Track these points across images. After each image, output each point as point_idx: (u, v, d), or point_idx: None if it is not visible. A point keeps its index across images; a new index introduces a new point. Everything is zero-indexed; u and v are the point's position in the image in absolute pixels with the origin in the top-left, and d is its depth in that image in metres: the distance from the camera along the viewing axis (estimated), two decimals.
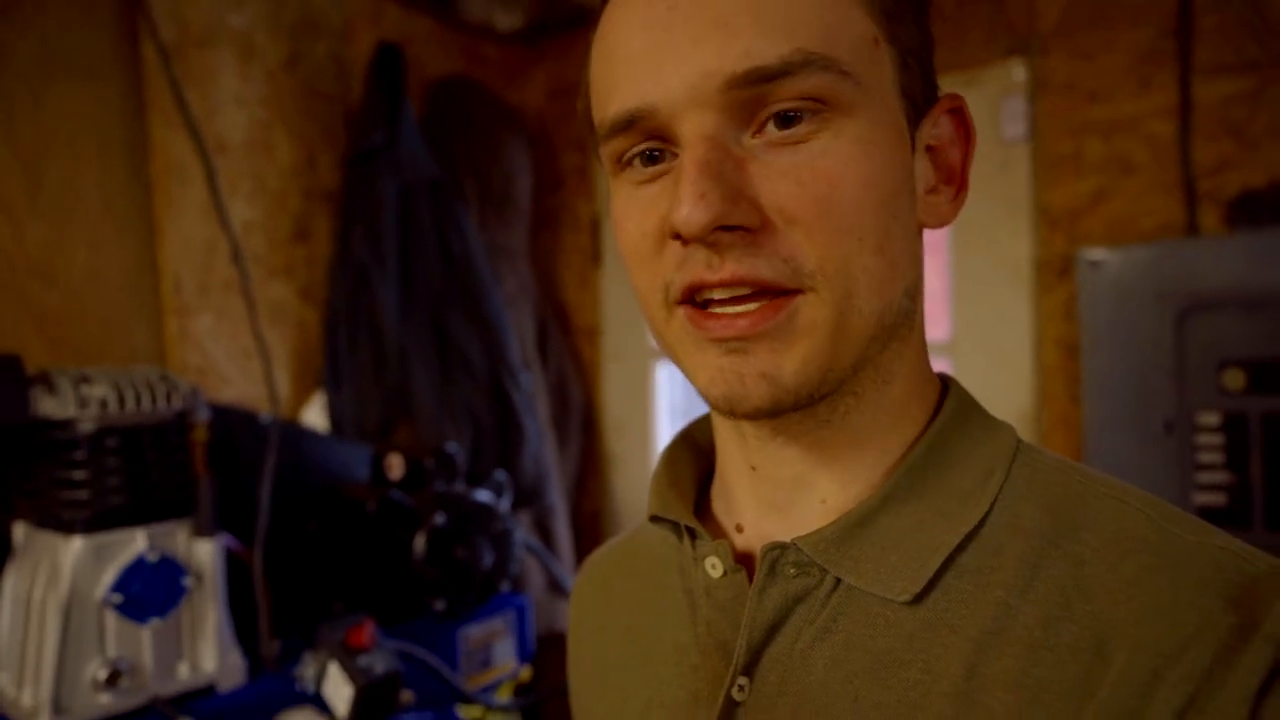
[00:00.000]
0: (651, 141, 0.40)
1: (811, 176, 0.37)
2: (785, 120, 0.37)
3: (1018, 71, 1.44)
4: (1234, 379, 1.24)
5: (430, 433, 1.59)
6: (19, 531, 0.97)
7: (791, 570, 0.43)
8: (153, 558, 0.92)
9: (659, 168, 0.40)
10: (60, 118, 1.28)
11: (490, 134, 1.86)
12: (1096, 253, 1.33)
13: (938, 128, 0.43)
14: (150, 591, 0.91)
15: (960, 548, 0.40)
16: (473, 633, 1.21)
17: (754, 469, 0.46)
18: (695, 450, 0.54)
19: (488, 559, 1.20)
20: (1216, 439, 1.24)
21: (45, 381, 0.91)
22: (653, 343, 1.97)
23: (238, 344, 1.49)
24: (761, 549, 0.43)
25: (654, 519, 0.50)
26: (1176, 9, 1.29)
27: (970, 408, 0.45)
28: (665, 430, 2.01)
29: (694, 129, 0.38)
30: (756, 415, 0.40)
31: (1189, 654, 0.33)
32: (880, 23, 0.39)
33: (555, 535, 1.74)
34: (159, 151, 1.39)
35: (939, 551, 0.40)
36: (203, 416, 1.02)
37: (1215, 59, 1.28)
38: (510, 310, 1.79)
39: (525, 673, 1.30)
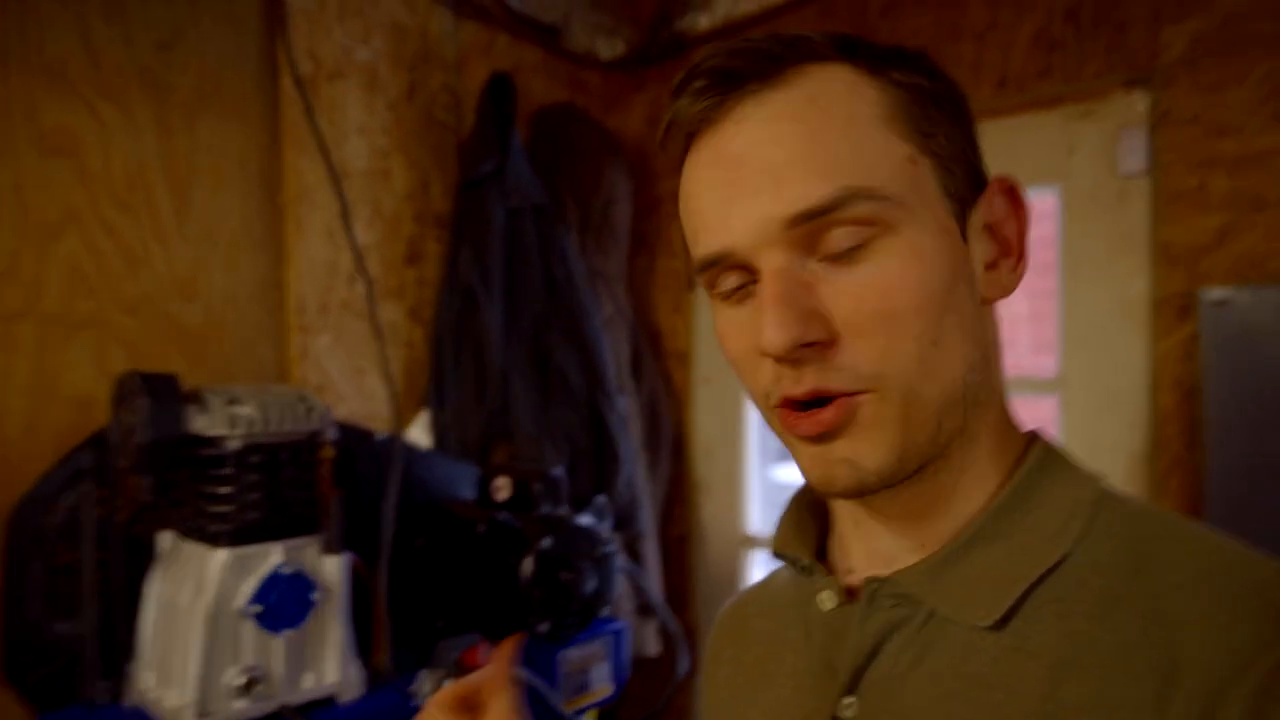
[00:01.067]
0: (736, 272, 0.48)
1: (867, 292, 0.44)
2: (840, 245, 0.44)
3: (1138, 103, 1.40)
4: None
5: (529, 453, 1.63)
6: (165, 540, 1.04)
7: (889, 601, 0.49)
8: (287, 571, 0.97)
9: (746, 292, 0.48)
10: (209, 147, 1.38)
11: (592, 160, 1.91)
12: (1221, 292, 1.28)
13: (993, 208, 0.50)
14: (284, 603, 0.97)
15: (1041, 580, 0.45)
16: (572, 656, 1.23)
17: (857, 524, 0.53)
18: (815, 504, 0.61)
19: (590, 583, 1.22)
20: None
21: (197, 400, 0.98)
22: None
23: (351, 362, 1.56)
24: (864, 581, 0.50)
25: (776, 554, 0.59)
26: None
27: (1056, 458, 0.50)
28: (755, 456, 2.01)
29: (766, 264, 0.45)
30: (846, 495, 0.47)
31: (1250, 674, 0.37)
32: (916, 142, 0.46)
33: (645, 559, 1.76)
34: (291, 178, 1.47)
35: (1020, 583, 0.45)
36: (331, 435, 1.08)
37: None
38: (607, 333, 1.83)
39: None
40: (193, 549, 0.99)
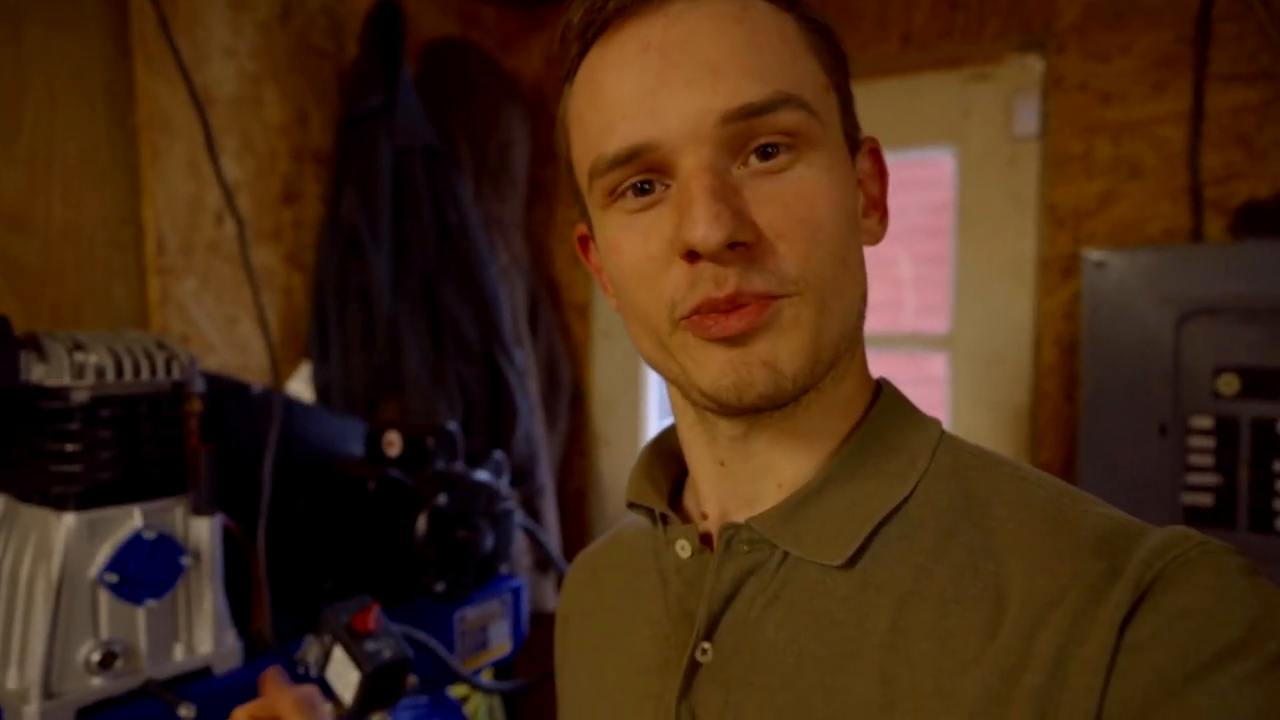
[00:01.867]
0: (646, 174, 0.45)
1: (794, 199, 0.44)
2: (765, 153, 0.44)
3: (1033, 67, 1.44)
4: (1228, 384, 1.26)
5: (420, 407, 1.55)
6: (0, 504, 0.91)
7: (744, 546, 0.49)
8: (149, 535, 0.87)
9: (651, 197, 0.46)
10: (39, 58, 1.20)
11: (488, 101, 1.80)
12: (1101, 254, 1.35)
13: (863, 164, 0.51)
14: (146, 571, 0.87)
15: (887, 520, 0.47)
16: (469, 614, 1.18)
17: (722, 464, 0.52)
18: (668, 454, 0.60)
19: (488, 541, 1.17)
20: (1208, 442, 1.27)
21: (35, 345, 0.86)
22: None
23: (222, 310, 1.43)
24: (719, 529, 0.50)
25: (631, 505, 0.58)
26: (1196, 15, 1.29)
27: (903, 404, 0.53)
28: (654, 410, 2.00)
29: (695, 160, 0.44)
30: (762, 404, 0.45)
31: (1067, 598, 0.40)
32: (829, 74, 0.47)
33: (544, 515, 1.72)
34: (144, 100, 1.31)
35: (867, 523, 0.47)
36: (198, 387, 0.97)
37: (1230, 68, 1.29)
38: (503, 284, 1.75)
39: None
40: (34, 513, 0.87)
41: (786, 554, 0.48)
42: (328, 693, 0.93)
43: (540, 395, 1.85)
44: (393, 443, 1.22)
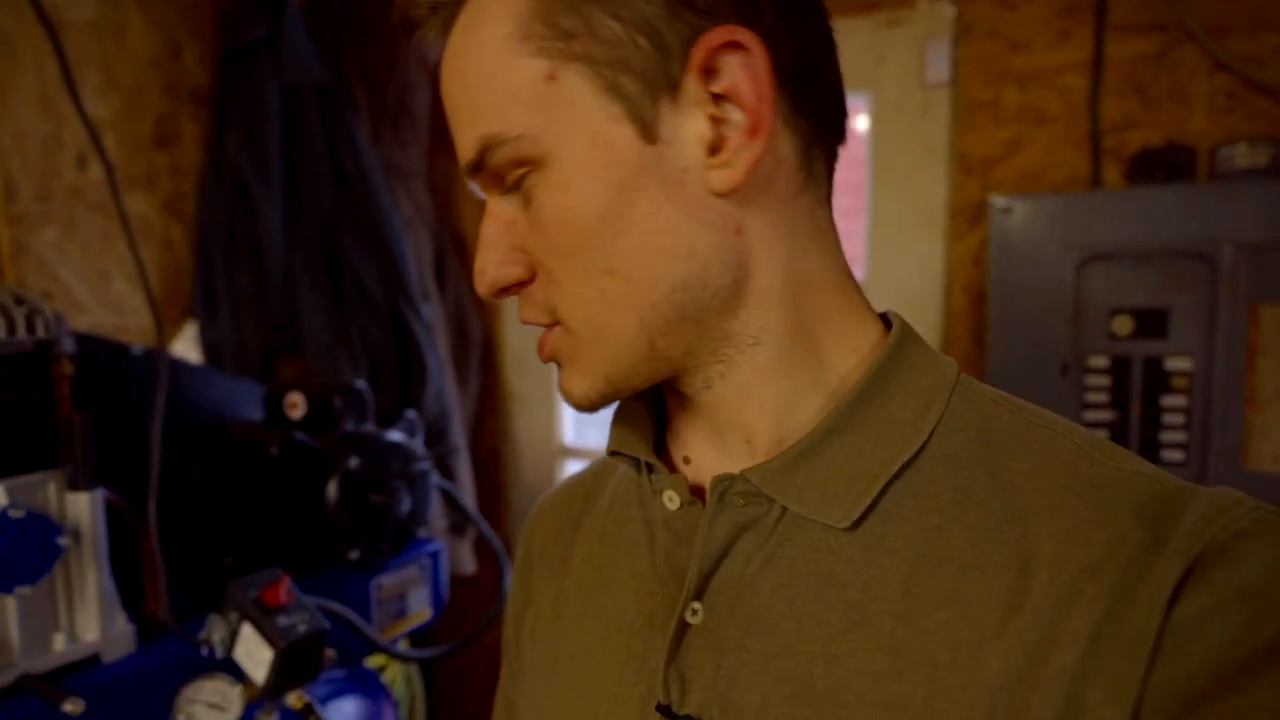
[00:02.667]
0: None
1: (538, 229, 0.43)
2: (515, 187, 0.44)
3: (944, 13, 1.44)
4: (1123, 325, 1.32)
5: (322, 368, 1.46)
6: None
7: (740, 500, 0.45)
8: (17, 515, 0.78)
9: None
10: None
11: (386, 37, 1.68)
12: (1007, 201, 1.38)
13: (715, 78, 0.40)
14: (16, 554, 0.78)
15: (898, 475, 0.42)
16: (386, 582, 1.13)
17: (685, 409, 0.50)
18: (650, 396, 0.56)
19: (404, 504, 1.12)
20: (1104, 380, 1.34)
21: None
22: None
23: (90, 264, 1.29)
24: (711, 480, 0.45)
25: (613, 454, 0.52)
26: None
27: (911, 343, 0.47)
28: None
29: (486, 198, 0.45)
30: (583, 412, 0.48)
31: (1104, 569, 0.36)
32: (555, 52, 0.41)
33: (458, 476, 1.66)
34: None
35: (877, 479, 0.42)
36: (67, 348, 0.87)
37: (1129, 18, 1.33)
38: (407, 235, 1.66)
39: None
40: None
41: (785, 509, 0.44)
42: (237, 674, 0.86)
43: (450, 352, 1.78)
44: (296, 404, 1.14)
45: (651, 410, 0.54)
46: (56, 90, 1.20)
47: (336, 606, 1.01)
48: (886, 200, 1.51)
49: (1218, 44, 1.28)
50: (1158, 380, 1.30)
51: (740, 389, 0.46)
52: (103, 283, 1.30)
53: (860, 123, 1.54)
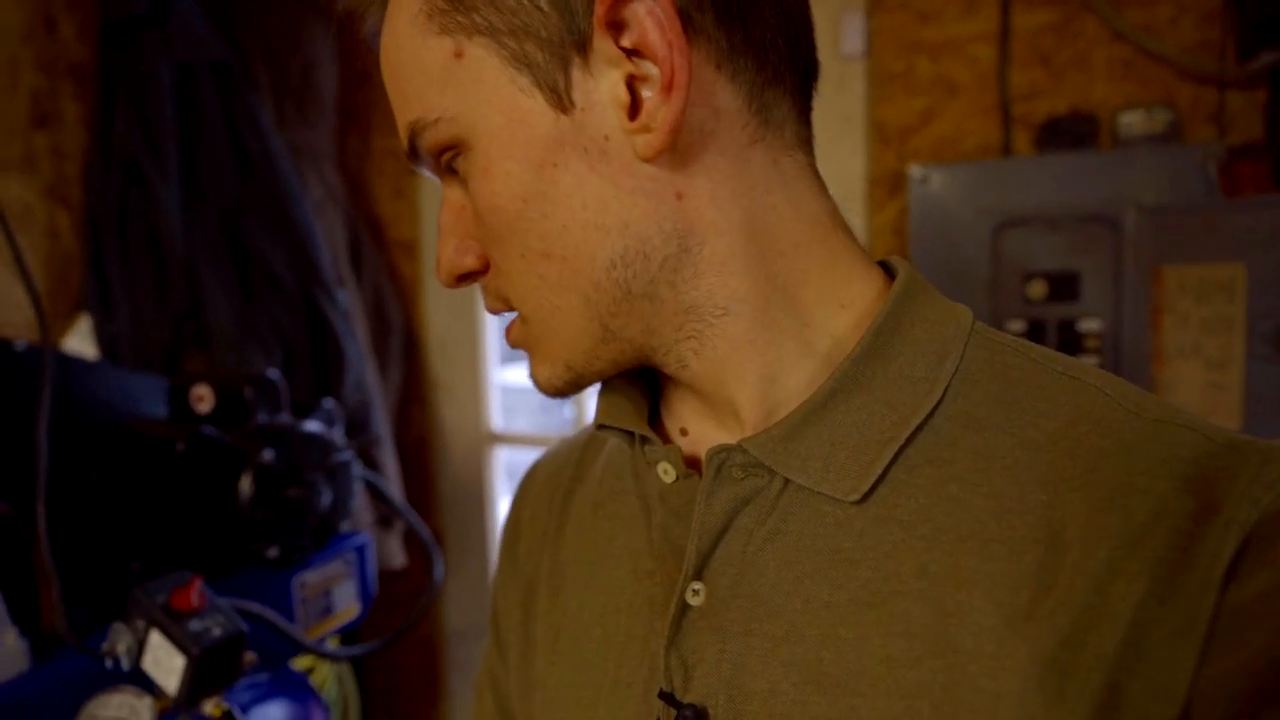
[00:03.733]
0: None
1: (476, 216, 0.42)
2: (453, 171, 0.42)
3: None
4: (1036, 289, 1.37)
5: (230, 359, 1.38)
6: None
7: (738, 472, 0.41)
8: None
9: None
10: None
11: (287, 13, 1.60)
12: (924, 170, 1.40)
13: (624, 32, 0.37)
14: None
15: (910, 440, 0.39)
16: (310, 579, 1.08)
17: (675, 383, 0.47)
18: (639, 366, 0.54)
19: (325, 498, 1.07)
20: None
21: None
22: None
23: None
24: (708, 452, 0.42)
25: (602, 428, 0.48)
26: None
27: (920, 290, 0.42)
28: (495, 351, 1.91)
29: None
30: (553, 398, 0.46)
31: (1146, 543, 0.32)
32: (459, 28, 0.39)
33: (383, 467, 1.60)
34: None
35: (888, 446, 0.39)
36: None
37: None
38: (319, 219, 1.58)
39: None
40: None
41: (788, 481, 0.40)
42: (146, 685, 0.81)
43: (369, 340, 1.71)
44: (203, 397, 1.07)
45: (641, 381, 0.50)
46: None
47: (255, 606, 0.96)
48: None
49: (1115, 14, 1.32)
50: (1072, 341, 1.35)
51: (718, 363, 0.42)
52: None
53: None
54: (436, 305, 1.89)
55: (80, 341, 1.31)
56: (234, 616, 0.83)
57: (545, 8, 0.37)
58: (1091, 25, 1.35)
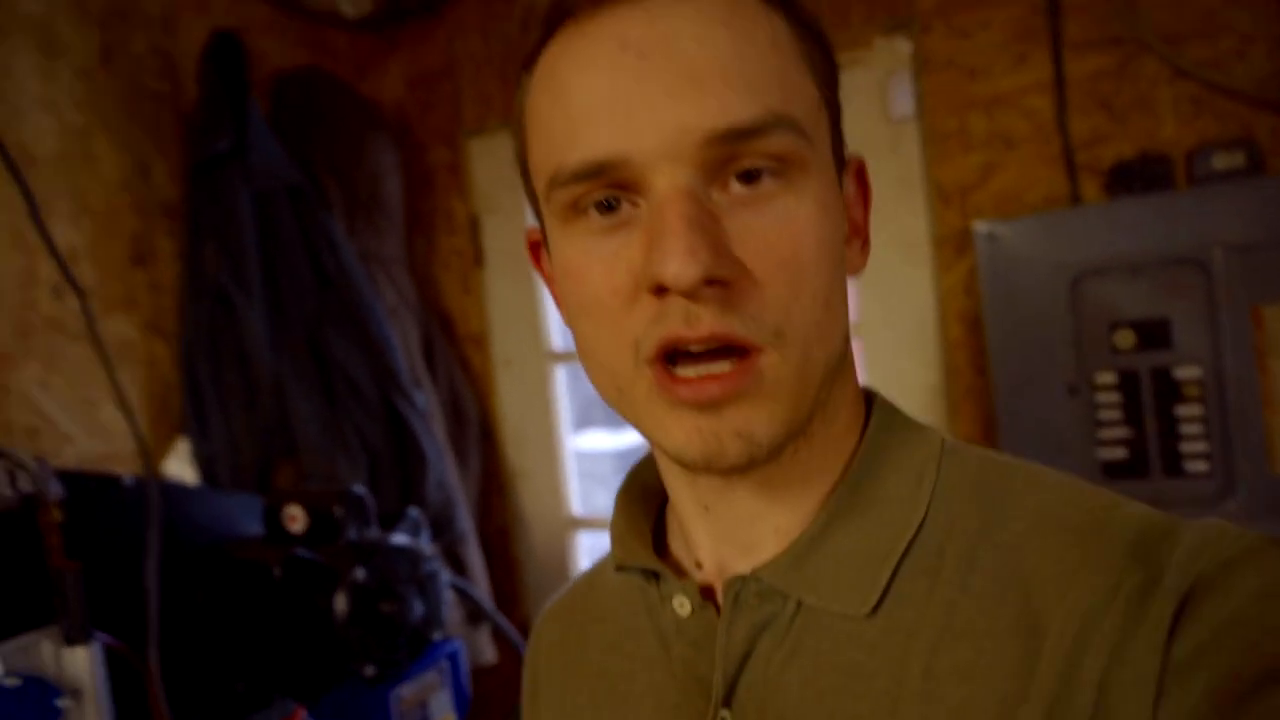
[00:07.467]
0: (613, 190, 0.40)
1: (779, 237, 0.39)
2: (748, 177, 0.39)
3: (901, 48, 1.45)
4: (1124, 339, 1.31)
5: (319, 469, 1.43)
6: None
7: (754, 600, 0.44)
8: (12, 684, 0.74)
9: (618, 218, 0.40)
10: None
11: (350, 131, 1.69)
12: (990, 226, 1.37)
13: (848, 187, 0.46)
14: None
15: (905, 553, 0.43)
16: (406, 693, 1.08)
17: (707, 509, 0.47)
18: (646, 491, 0.55)
19: (417, 610, 1.08)
20: (1114, 397, 1.32)
21: None
22: (548, 343, 1.87)
23: (75, 393, 1.26)
24: (724, 583, 0.45)
25: (620, 568, 0.52)
26: None
27: (894, 417, 0.48)
28: (570, 435, 1.92)
29: (670, 182, 0.38)
30: (733, 472, 0.41)
31: (1107, 616, 0.37)
32: (820, 87, 0.42)
33: (468, 562, 1.62)
34: None
35: (887, 561, 0.43)
36: (55, 494, 0.84)
37: (1084, 35, 1.34)
38: (393, 323, 1.64)
39: None
40: None
41: (800, 602, 0.44)
42: None
43: (448, 436, 1.75)
44: (295, 517, 1.10)
45: (649, 507, 0.53)
46: (25, 224, 1.18)
47: None
48: (871, 238, 1.50)
49: (1176, 52, 1.29)
50: (1169, 391, 1.28)
51: (801, 469, 0.45)
52: (90, 411, 1.27)
53: None
54: (509, 394, 1.93)
55: (180, 463, 1.38)
56: None
57: (830, 122, 0.44)
58: (1150, 66, 1.31)
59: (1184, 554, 0.37)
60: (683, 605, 0.47)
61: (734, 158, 0.38)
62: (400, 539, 1.11)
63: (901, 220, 1.47)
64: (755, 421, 0.39)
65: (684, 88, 0.37)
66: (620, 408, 0.44)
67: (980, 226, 1.37)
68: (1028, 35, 1.38)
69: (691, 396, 0.39)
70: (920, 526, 0.43)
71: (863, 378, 1.63)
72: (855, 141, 0.47)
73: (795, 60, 0.41)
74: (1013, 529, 0.42)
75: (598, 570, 0.60)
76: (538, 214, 0.47)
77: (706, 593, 0.47)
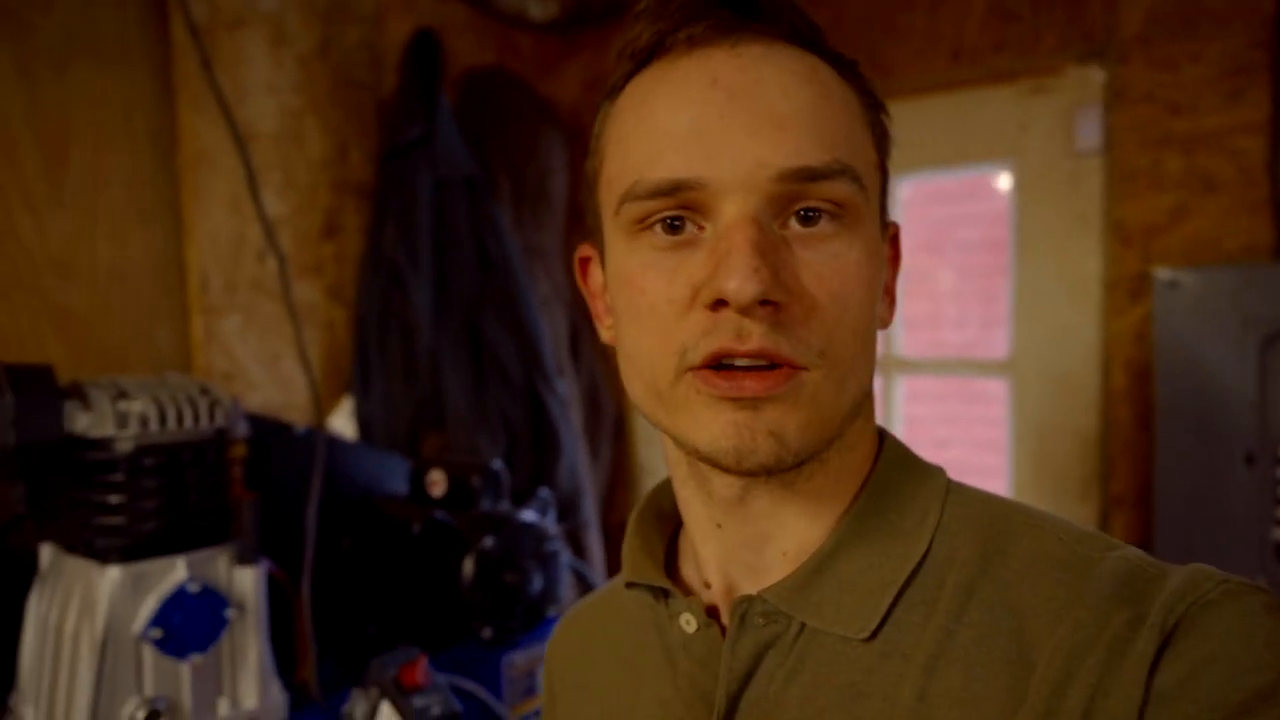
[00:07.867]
0: (682, 210, 0.44)
1: (830, 272, 0.43)
2: (808, 217, 0.43)
3: (1094, 79, 1.37)
4: None
5: (463, 442, 1.52)
6: (45, 554, 0.90)
7: (760, 620, 0.47)
8: (194, 588, 0.85)
9: (682, 237, 0.44)
10: (85, 99, 1.21)
11: (527, 128, 1.79)
12: (1174, 273, 1.27)
13: (884, 248, 0.50)
14: (191, 625, 0.85)
15: (907, 583, 0.45)
16: (517, 659, 1.14)
17: (719, 526, 0.49)
18: (661, 515, 0.58)
19: (536, 583, 1.14)
20: None
21: (79, 395, 0.84)
22: None
23: (265, 346, 1.42)
24: (731, 602, 0.48)
25: (630, 585, 0.54)
26: (1271, 19, 1.22)
27: (904, 456, 0.51)
28: None
29: (741, 209, 0.42)
30: (759, 471, 0.43)
31: (1094, 650, 0.39)
32: (877, 151, 0.47)
33: (589, 550, 1.68)
34: (187, 139, 1.31)
35: (889, 589, 0.45)
36: (242, 432, 0.95)
37: None
38: (544, 314, 1.72)
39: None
40: (78, 565, 0.86)
41: (804, 624, 0.46)
42: None
43: (583, 426, 1.82)
44: (437, 482, 1.19)
45: (663, 529, 0.57)
46: (243, 193, 1.34)
47: (469, 684, 1.03)
48: (1033, 272, 1.43)
49: None
50: None
51: (813, 495, 0.48)
52: (275, 363, 1.42)
53: (1003, 185, 1.47)
54: None
55: (343, 419, 1.51)
56: (451, 698, 0.91)
57: (886, 192, 0.50)
58: None
59: (1169, 595, 0.39)
60: (689, 623, 0.50)
61: (799, 196, 0.43)
62: (529, 516, 1.17)
63: (1071, 259, 1.39)
64: (789, 424, 0.42)
65: (765, 128, 0.42)
66: (655, 412, 0.46)
67: (1162, 273, 1.28)
68: (1244, 70, 1.26)
69: (733, 390, 0.42)
70: (923, 559, 0.46)
71: (1008, 416, 1.54)
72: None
73: (861, 124, 0.46)
74: (1011, 566, 0.44)
75: (613, 586, 0.63)
76: (596, 231, 0.51)
77: (712, 612, 0.50)
